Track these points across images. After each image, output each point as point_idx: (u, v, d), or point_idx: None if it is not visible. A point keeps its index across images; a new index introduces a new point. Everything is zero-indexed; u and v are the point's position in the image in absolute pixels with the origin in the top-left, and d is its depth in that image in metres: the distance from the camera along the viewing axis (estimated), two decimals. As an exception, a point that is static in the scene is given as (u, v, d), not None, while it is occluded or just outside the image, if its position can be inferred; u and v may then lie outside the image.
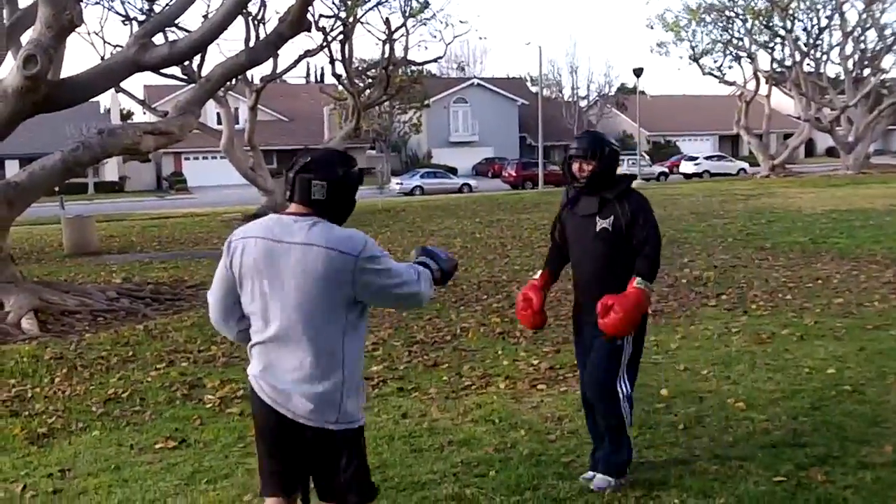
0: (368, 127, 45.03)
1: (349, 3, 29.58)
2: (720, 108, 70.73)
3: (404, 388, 7.24)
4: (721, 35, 48.19)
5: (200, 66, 27.59)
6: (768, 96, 48.74)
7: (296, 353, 3.23)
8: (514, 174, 52.63)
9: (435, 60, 41.29)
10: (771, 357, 7.71)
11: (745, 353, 7.91)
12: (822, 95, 47.96)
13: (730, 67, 58.08)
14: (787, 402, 6.35)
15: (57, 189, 19.07)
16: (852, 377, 6.94)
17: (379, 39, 31.56)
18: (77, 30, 12.03)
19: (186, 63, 26.19)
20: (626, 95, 71.07)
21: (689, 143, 72.75)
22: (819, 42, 47.58)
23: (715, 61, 49.11)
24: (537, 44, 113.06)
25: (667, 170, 56.93)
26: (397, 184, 50.14)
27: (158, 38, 14.70)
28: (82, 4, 12.69)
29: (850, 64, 47.23)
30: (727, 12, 46.85)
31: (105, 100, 57.62)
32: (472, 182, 51.59)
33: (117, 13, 28.20)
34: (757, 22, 46.17)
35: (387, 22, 31.32)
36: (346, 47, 30.70)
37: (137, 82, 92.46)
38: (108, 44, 39.89)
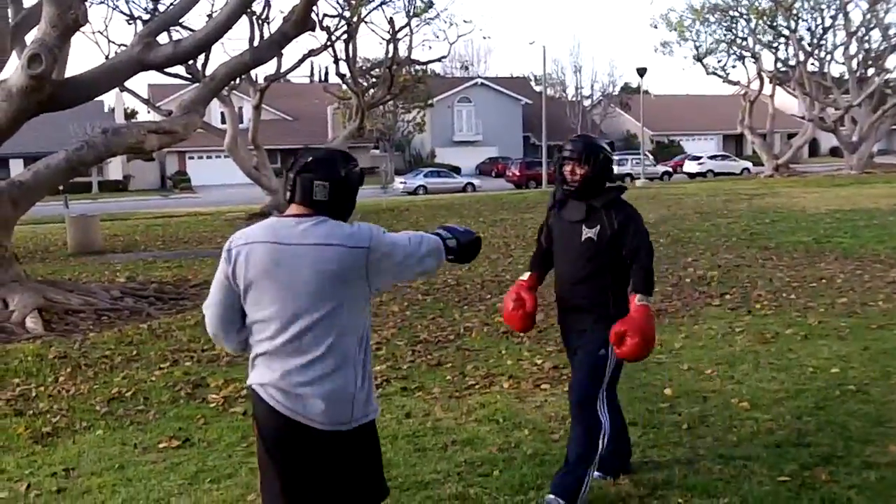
0: (372, 126, 45.07)
1: (353, 2, 29.61)
2: (724, 107, 70.71)
3: (408, 388, 7.24)
4: (725, 35, 48.18)
5: (205, 65, 27.63)
6: (772, 96, 48.73)
7: (310, 354, 3.16)
8: (517, 173, 52.64)
9: (439, 60, 41.60)
10: (775, 357, 7.70)
11: (749, 352, 7.91)
12: (826, 95, 47.91)
13: (733, 67, 58.13)
14: (791, 401, 6.35)
15: (61, 188, 19.07)
16: (856, 377, 6.93)
17: (383, 39, 31.72)
18: (82, 29, 12.05)
19: (191, 62, 26.20)
20: (630, 95, 71.05)
21: (693, 143, 72.70)
22: (823, 42, 47.59)
23: (719, 61, 49.12)
24: (541, 43, 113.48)
25: (670, 169, 56.91)
26: (401, 183, 50.13)
27: (163, 38, 14.74)
28: (87, 4, 12.71)
29: (854, 64, 47.16)
30: (731, 12, 46.83)
31: (109, 99, 57.86)
32: (476, 181, 51.61)
33: (122, 12, 28.52)
34: (761, 21, 46.14)
35: (391, 21, 31.40)
36: (350, 47, 30.73)
37: (142, 81, 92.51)
38: (113, 43, 39.89)
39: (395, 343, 9.01)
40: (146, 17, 25.93)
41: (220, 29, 13.09)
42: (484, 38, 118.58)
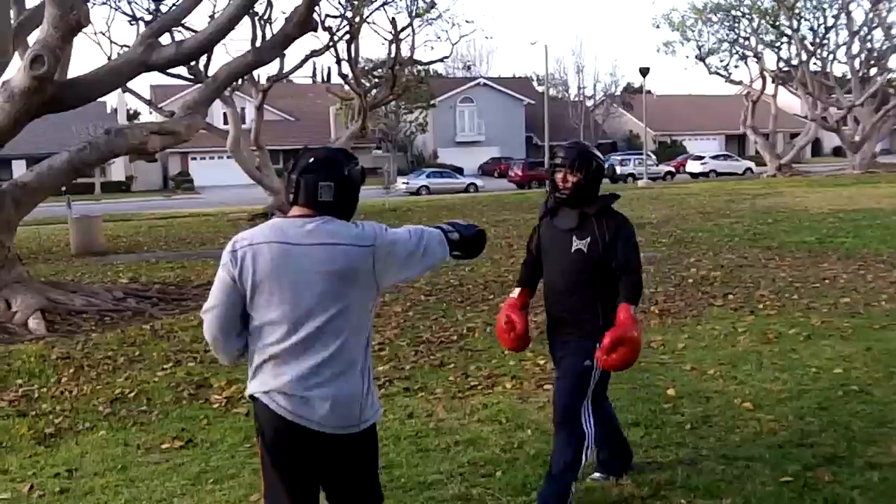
0: (374, 127, 45.16)
1: (355, 3, 29.62)
2: (727, 107, 70.70)
3: (410, 388, 7.24)
4: (727, 34, 48.27)
5: (207, 65, 27.65)
6: (775, 96, 48.77)
7: (320, 356, 3.13)
8: (520, 174, 52.65)
9: (441, 60, 41.39)
10: (778, 357, 7.69)
11: (752, 352, 7.90)
12: (829, 95, 47.92)
13: (736, 67, 57.99)
14: (794, 402, 6.34)
15: (64, 189, 19.05)
16: (859, 377, 6.92)
17: (385, 39, 31.62)
18: (84, 30, 12.05)
19: (193, 63, 26.22)
20: (633, 95, 71.09)
21: (696, 143, 72.71)
22: (825, 41, 47.63)
23: (721, 61, 49.22)
24: (543, 43, 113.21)
25: (673, 169, 56.93)
26: (403, 183, 50.15)
27: (165, 39, 14.72)
28: (89, 4, 12.72)
29: (856, 63, 47.18)
30: (733, 12, 46.84)
31: (112, 100, 57.80)
32: (479, 182, 51.67)
33: (124, 13, 28.42)
34: (763, 21, 46.19)
35: (393, 22, 31.33)
36: (353, 47, 30.72)
37: (144, 82, 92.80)
38: (115, 44, 39.82)
39: (397, 343, 9.01)
40: (148, 18, 25.93)
41: (222, 30, 13.10)
42: (486, 38, 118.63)
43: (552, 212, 4.73)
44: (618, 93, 74.20)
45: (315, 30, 14.95)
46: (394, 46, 31.60)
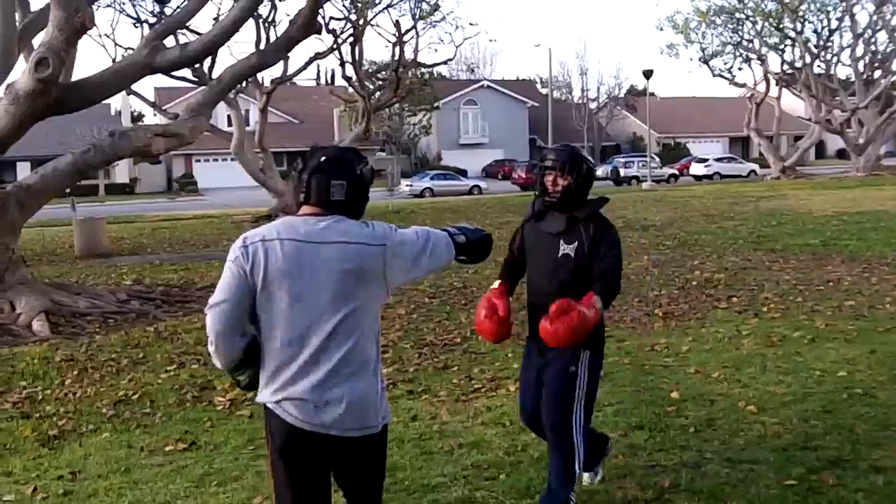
0: (378, 129, 45.16)
1: (359, 5, 29.64)
2: (730, 109, 70.65)
3: (414, 391, 7.24)
4: (731, 37, 48.21)
5: (211, 68, 27.71)
6: (778, 98, 48.69)
7: (333, 358, 3.09)
8: (523, 176, 52.57)
9: (445, 63, 41.37)
10: (782, 360, 7.68)
11: (756, 355, 7.89)
12: (833, 97, 47.83)
13: (740, 69, 58.11)
14: (798, 405, 6.33)
15: (68, 191, 19.09)
16: (864, 380, 6.91)
17: (389, 42, 31.74)
18: (88, 32, 12.07)
19: (197, 65, 26.25)
20: (636, 97, 71.07)
21: (700, 145, 72.67)
22: (829, 44, 47.49)
23: (725, 63, 49.14)
24: (547, 46, 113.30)
25: (677, 172, 56.84)
26: (407, 186, 50.10)
27: (170, 41, 14.75)
28: (94, 7, 12.74)
29: (860, 66, 47.09)
30: (737, 14, 46.80)
31: (116, 102, 57.79)
32: (482, 184, 51.64)
33: (129, 16, 28.31)
34: (767, 24, 46.12)
35: (397, 24, 31.38)
36: (357, 50, 30.75)
37: (148, 84, 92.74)
38: (120, 46, 39.91)
39: (401, 346, 9.01)
40: (153, 20, 25.98)
41: (226, 32, 13.11)
42: (490, 40, 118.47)
43: (539, 215, 4.65)
44: (621, 95, 74.25)
45: (319, 32, 14.94)
46: (397, 49, 31.64)
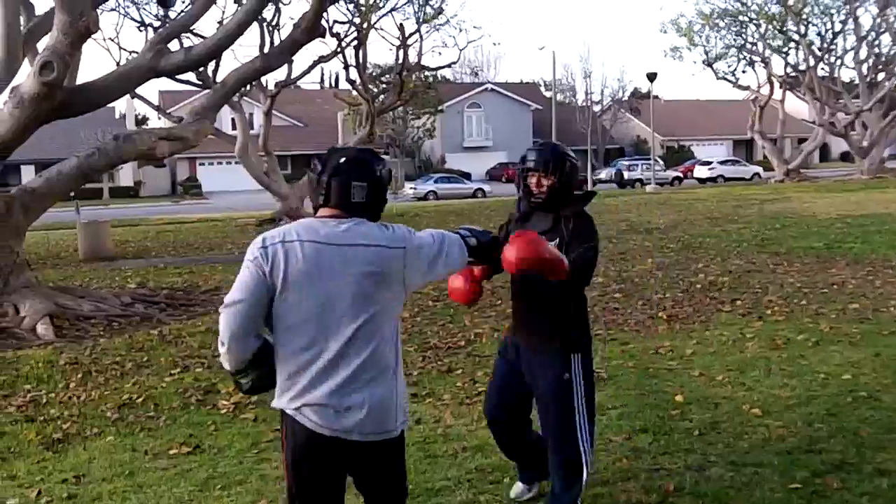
0: (382, 132, 45.20)
1: (363, 9, 29.67)
2: (734, 112, 70.67)
3: (418, 394, 7.23)
4: (735, 40, 48.17)
5: (215, 71, 27.72)
6: (782, 101, 48.66)
7: (353, 363, 3.07)
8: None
9: (449, 66, 41.45)
10: (786, 363, 7.67)
11: (761, 358, 7.87)
12: (837, 100, 47.82)
13: (744, 72, 57.84)
14: (802, 408, 6.32)
15: (72, 194, 19.13)
16: (868, 383, 6.90)
17: (393, 45, 31.61)
18: (93, 36, 12.10)
19: (201, 69, 26.28)
20: (640, 100, 71.09)
21: (704, 148, 72.68)
22: (833, 46, 47.52)
23: (729, 66, 49.11)
24: (551, 48, 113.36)
25: (681, 174, 56.81)
26: (411, 189, 50.19)
27: (174, 45, 14.79)
28: (98, 11, 12.76)
29: (864, 68, 47.10)
30: (741, 17, 46.79)
31: (120, 105, 58.05)
32: (486, 187, 51.63)
33: (133, 19, 28.38)
34: (770, 26, 46.12)
35: (401, 28, 31.39)
36: (361, 53, 30.77)
37: (152, 88, 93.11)
38: (124, 50, 40.23)
39: (405, 349, 8.96)
40: (157, 24, 26.05)
41: (230, 36, 13.13)
42: (494, 43, 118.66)
43: (525, 216, 4.50)
44: (625, 98, 74.29)
45: (323, 36, 14.96)
46: (401, 52, 31.65)
